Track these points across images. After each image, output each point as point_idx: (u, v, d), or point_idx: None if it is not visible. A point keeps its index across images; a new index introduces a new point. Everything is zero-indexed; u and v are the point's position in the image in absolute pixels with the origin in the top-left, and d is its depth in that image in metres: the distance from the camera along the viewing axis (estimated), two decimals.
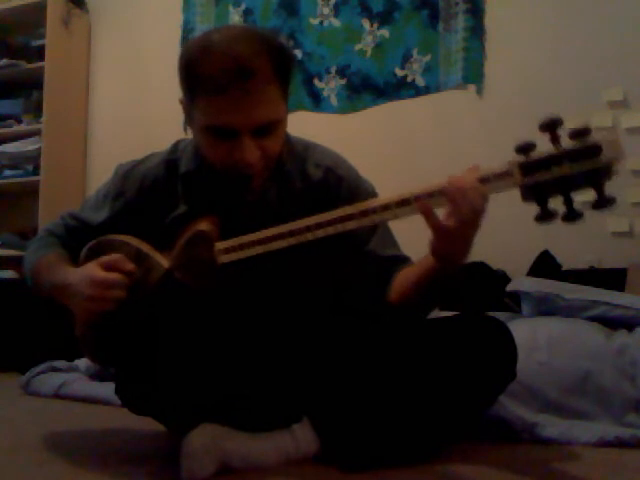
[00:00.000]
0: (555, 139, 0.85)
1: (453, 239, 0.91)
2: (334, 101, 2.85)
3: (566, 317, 1.59)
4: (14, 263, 2.89)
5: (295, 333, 1.16)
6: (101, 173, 2.48)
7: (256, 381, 1.14)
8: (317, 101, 2.88)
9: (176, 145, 1.21)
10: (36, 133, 3.23)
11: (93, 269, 1.06)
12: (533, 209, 0.89)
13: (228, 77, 0.96)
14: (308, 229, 0.99)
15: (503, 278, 2.13)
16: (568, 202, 0.87)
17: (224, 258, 1.03)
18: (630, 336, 1.46)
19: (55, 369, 2.06)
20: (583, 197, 0.88)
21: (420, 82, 2.69)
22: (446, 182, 0.91)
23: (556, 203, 0.88)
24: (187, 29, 3.16)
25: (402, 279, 1.11)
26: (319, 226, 0.99)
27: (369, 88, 2.78)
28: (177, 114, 1.16)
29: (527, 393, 1.35)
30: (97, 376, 1.96)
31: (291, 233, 1.00)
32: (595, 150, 0.83)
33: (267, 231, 1.01)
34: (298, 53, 2.89)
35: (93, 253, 1.14)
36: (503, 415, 1.29)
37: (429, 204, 0.91)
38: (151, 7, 3.31)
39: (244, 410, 1.11)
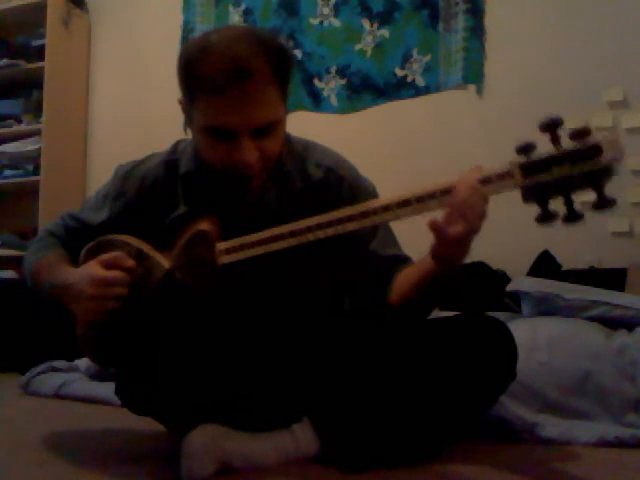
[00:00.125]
0: (555, 140, 0.85)
1: (454, 243, 0.91)
2: (334, 101, 2.85)
3: (566, 317, 1.59)
4: (14, 263, 2.89)
5: (295, 333, 1.16)
6: (101, 173, 2.48)
7: (256, 381, 1.14)
8: (317, 101, 2.88)
9: (176, 145, 1.21)
10: (36, 133, 3.23)
11: (93, 268, 1.06)
12: (533, 209, 0.88)
13: (226, 78, 0.97)
14: (309, 230, 0.99)
15: (503, 278, 2.13)
16: (569, 203, 0.86)
17: (225, 259, 1.03)
18: (630, 336, 1.46)
19: (55, 369, 2.06)
20: (583, 197, 0.87)
21: (420, 82, 2.69)
22: (448, 183, 0.91)
23: (556, 204, 0.87)
24: (187, 29, 3.16)
25: (402, 280, 1.11)
26: (320, 227, 0.98)
27: (369, 88, 2.78)
28: (177, 114, 1.16)
29: (527, 393, 1.35)
30: (97, 376, 1.95)
31: (292, 234, 0.99)
32: (596, 151, 0.83)
33: (268, 232, 1.01)
34: (298, 53, 2.89)
35: (93, 253, 1.14)
36: (503, 415, 1.29)
37: (439, 223, 0.88)
38: (151, 7, 3.31)
39: (244, 410, 1.11)
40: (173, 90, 1.08)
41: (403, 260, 1.16)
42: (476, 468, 1.07)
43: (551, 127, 0.85)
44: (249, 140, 1.01)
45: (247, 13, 3.05)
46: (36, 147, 3.21)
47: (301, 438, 1.06)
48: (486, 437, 1.26)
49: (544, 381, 1.37)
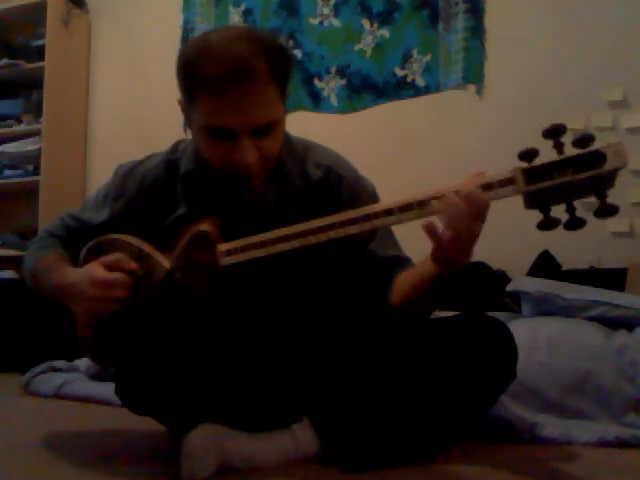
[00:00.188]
0: (559, 146, 0.85)
1: (454, 248, 0.91)
2: (334, 101, 2.85)
3: (566, 317, 1.59)
4: (14, 263, 2.89)
5: (295, 333, 1.16)
6: (101, 173, 2.47)
7: (256, 381, 1.14)
8: (317, 101, 2.88)
9: (176, 145, 1.22)
10: (36, 133, 3.23)
11: (95, 269, 1.05)
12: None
13: (226, 78, 0.96)
14: (311, 232, 0.98)
15: (503, 278, 2.13)
16: (570, 210, 0.86)
17: (226, 260, 1.03)
18: (630, 336, 1.46)
19: (55, 369, 2.06)
20: (584, 200, 0.87)
21: (420, 82, 2.69)
22: (449, 189, 0.90)
23: (558, 210, 0.87)
24: (187, 29, 3.16)
25: (403, 281, 1.11)
26: (322, 229, 0.98)
27: (369, 88, 2.78)
28: (177, 114, 1.16)
29: (527, 393, 1.35)
30: (97, 376, 1.95)
31: (294, 236, 0.99)
32: (599, 159, 0.82)
33: (270, 233, 1.01)
34: (298, 53, 2.89)
35: (93, 253, 1.14)
36: (503, 415, 1.29)
37: (433, 224, 0.89)
38: (151, 7, 3.31)
39: (244, 410, 1.11)
40: (173, 90, 1.08)
41: (403, 261, 1.16)
42: (476, 468, 1.07)
43: (554, 134, 0.85)
44: (249, 140, 1.01)
45: (247, 13, 3.05)
46: (36, 147, 3.21)
47: (301, 438, 1.06)
48: (486, 437, 1.26)
49: (544, 381, 1.37)
